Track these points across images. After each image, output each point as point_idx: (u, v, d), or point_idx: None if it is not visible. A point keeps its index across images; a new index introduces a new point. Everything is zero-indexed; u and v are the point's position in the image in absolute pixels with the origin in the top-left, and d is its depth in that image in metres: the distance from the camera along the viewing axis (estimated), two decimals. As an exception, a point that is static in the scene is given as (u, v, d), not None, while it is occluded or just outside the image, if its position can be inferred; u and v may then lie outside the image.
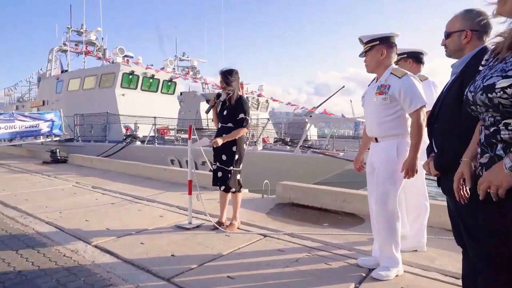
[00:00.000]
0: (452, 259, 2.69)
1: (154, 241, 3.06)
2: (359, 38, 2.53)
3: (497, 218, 1.16)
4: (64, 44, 16.56)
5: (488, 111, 1.16)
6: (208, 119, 11.09)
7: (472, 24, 1.69)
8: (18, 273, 2.38)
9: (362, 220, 3.95)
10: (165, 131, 11.42)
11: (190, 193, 3.62)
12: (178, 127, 11.23)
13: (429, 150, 1.83)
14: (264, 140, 9.75)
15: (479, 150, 1.25)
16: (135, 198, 4.97)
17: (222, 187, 3.46)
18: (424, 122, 2.24)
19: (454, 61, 1.80)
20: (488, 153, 1.17)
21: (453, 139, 1.59)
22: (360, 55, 2.54)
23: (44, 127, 11.36)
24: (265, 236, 3.29)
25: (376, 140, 2.50)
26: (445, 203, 3.85)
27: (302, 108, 14.42)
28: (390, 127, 2.41)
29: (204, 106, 14.41)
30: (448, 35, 1.77)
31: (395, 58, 2.51)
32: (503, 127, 1.11)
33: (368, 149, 2.73)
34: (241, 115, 3.37)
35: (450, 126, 1.61)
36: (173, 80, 14.32)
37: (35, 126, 11.11)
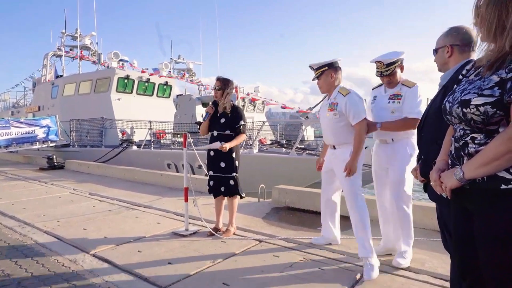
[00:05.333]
0: (441, 261, 2.76)
1: (151, 249, 3.12)
2: (309, 66, 2.97)
3: (464, 223, 1.25)
4: (59, 49, 16.53)
5: (461, 123, 1.24)
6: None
7: (452, 40, 1.83)
8: (18, 284, 2.43)
9: (356, 222, 4.03)
10: (161, 134, 11.45)
11: (186, 200, 3.67)
12: (174, 131, 11.26)
13: (418, 157, 1.92)
14: (261, 141, 9.80)
15: (449, 161, 1.34)
16: (132, 205, 5.01)
17: (220, 194, 3.52)
18: (364, 133, 2.72)
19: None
20: (457, 165, 1.27)
21: (436, 148, 1.68)
22: (313, 80, 3.00)
23: (40, 133, 11.37)
24: (260, 241, 3.35)
25: (334, 147, 2.94)
26: (434, 205, 3.94)
27: (297, 111, 14.52)
28: (343, 136, 2.85)
29: (199, 109, 14.49)
30: (435, 51, 1.94)
31: (341, 78, 2.94)
32: (470, 141, 1.20)
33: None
34: (241, 122, 3.45)
35: (435, 135, 1.70)
36: (168, 83, 14.35)
37: (31, 132, 11.12)
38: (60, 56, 16.45)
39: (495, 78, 1.12)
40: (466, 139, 1.22)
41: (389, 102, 2.75)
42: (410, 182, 2.72)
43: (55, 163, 9.83)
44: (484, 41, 1.25)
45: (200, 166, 6.40)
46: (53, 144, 11.54)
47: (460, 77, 1.42)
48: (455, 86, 1.39)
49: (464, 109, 1.18)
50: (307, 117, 12.61)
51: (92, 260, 2.88)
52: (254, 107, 16.89)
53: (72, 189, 6.38)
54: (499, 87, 1.10)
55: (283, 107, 13.92)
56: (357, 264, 2.72)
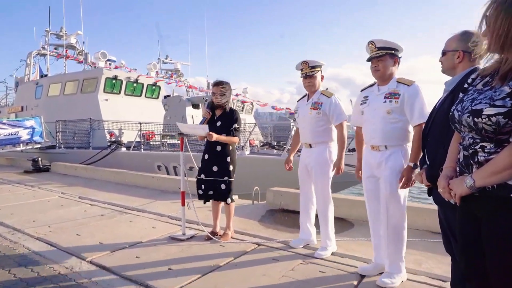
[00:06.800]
0: (438, 262, 2.83)
1: (149, 255, 3.07)
2: (304, 61, 3.09)
3: (472, 228, 1.29)
4: (43, 48, 16.10)
5: (470, 132, 1.27)
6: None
7: (465, 46, 1.79)
8: (14, 294, 2.36)
9: (351, 224, 4.08)
10: (150, 136, 11.30)
11: (183, 204, 3.64)
12: (164, 132, 11.13)
13: (422, 161, 1.95)
14: (250, 143, 9.80)
15: (458, 168, 1.37)
16: (125, 209, 4.93)
17: (212, 199, 3.50)
18: (346, 132, 3.02)
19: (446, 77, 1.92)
20: (466, 172, 1.29)
21: (443, 152, 1.70)
22: (302, 75, 3.12)
23: (24, 134, 11.03)
24: (259, 244, 3.35)
25: (310, 146, 3.11)
26: (429, 206, 4.02)
27: (286, 109, 14.56)
28: (320, 135, 3.06)
29: (190, 111, 14.40)
30: (444, 53, 1.90)
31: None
32: (480, 149, 1.23)
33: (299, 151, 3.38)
34: (235, 125, 3.43)
35: (441, 141, 1.70)
36: (157, 84, 14.18)
37: (15, 134, 10.78)
38: (44, 55, 16.02)
39: (507, 89, 1.15)
40: (475, 147, 1.25)
41: (384, 101, 2.44)
42: (405, 193, 2.49)
43: (41, 166, 9.56)
44: (492, 51, 1.27)
45: (191, 168, 6.35)
46: (38, 145, 11.23)
47: (466, 85, 1.45)
48: (462, 94, 1.42)
49: (475, 119, 1.20)
50: (295, 119, 12.62)
51: (90, 267, 2.82)
52: (243, 108, 16.89)
53: (60, 192, 6.22)
54: (510, 98, 1.13)
55: (276, 108, 13.95)
56: (356, 266, 2.75)
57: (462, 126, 1.30)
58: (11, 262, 2.94)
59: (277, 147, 9.07)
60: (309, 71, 3.09)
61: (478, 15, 1.27)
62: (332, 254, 3.06)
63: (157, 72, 16.08)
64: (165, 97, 16.33)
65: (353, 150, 8.37)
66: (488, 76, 1.32)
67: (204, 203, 3.55)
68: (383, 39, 2.47)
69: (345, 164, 3.05)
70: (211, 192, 3.46)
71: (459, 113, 1.31)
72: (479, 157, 1.23)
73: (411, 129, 2.45)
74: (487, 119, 1.16)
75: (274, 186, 5.29)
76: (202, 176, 3.47)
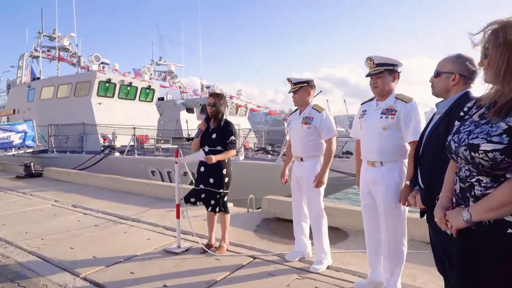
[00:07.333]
0: (432, 276, 2.84)
1: (144, 270, 3.05)
2: (288, 79, 3.16)
3: (469, 257, 1.30)
4: (36, 50, 15.92)
5: (467, 164, 1.27)
6: (188, 129, 11.03)
7: (461, 69, 1.81)
8: (6, 315, 2.32)
9: (346, 234, 4.09)
10: (144, 140, 11.24)
11: (178, 217, 3.62)
12: (158, 137, 11.07)
13: (414, 183, 1.95)
14: (244, 145, 9.80)
15: (454, 199, 1.38)
16: (119, 218, 4.89)
17: (209, 208, 3.49)
18: (334, 148, 3.04)
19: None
20: (462, 204, 1.31)
21: (440, 177, 1.70)
22: (289, 92, 3.19)
23: (15, 138, 10.91)
24: (254, 258, 3.34)
25: (302, 159, 3.14)
26: (424, 216, 4.02)
27: (280, 112, 14.59)
28: (311, 149, 3.10)
29: (184, 115, 14.33)
30: (437, 74, 1.88)
31: (314, 95, 3.21)
32: (477, 183, 1.24)
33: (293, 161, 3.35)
34: (231, 138, 3.43)
35: (437, 164, 1.70)
36: (151, 87, 14.10)
37: (6, 138, 10.65)
38: (36, 57, 15.85)
39: (503, 125, 1.16)
40: (472, 180, 1.25)
41: (381, 117, 2.44)
42: (404, 211, 2.48)
43: (33, 171, 9.45)
44: (489, 82, 1.28)
45: (185, 173, 6.32)
46: (30, 150, 11.10)
47: (462, 113, 1.45)
48: (458, 123, 1.43)
49: (472, 153, 1.21)
50: (289, 124, 12.62)
51: (84, 284, 2.79)
52: (237, 110, 16.88)
53: (53, 200, 6.15)
54: (507, 134, 1.14)
55: (270, 113, 13.97)
56: (352, 282, 2.76)
57: (458, 157, 1.31)
58: (3, 278, 2.90)
59: (271, 152, 9.07)
60: (292, 87, 3.15)
61: (476, 33, 1.26)
62: (328, 267, 3.07)
63: (150, 74, 16.00)
64: (159, 99, 16.25)
65: (347, 153, 8.42)
66: (484, 107, 1.32)
67: (207, 209, 3.51)
68: (381, 55, 2.47)
69: (335, 171, 3.10)
70: (213, 202, 3.44)
71: (456, 144, 1.32)
72: (475, 191, 1.24)
73: (407, 145, 2.44)
74: (484, 154, 1.17)
75: (268, 192, 5.29)
76: (201, 186, 3.45)
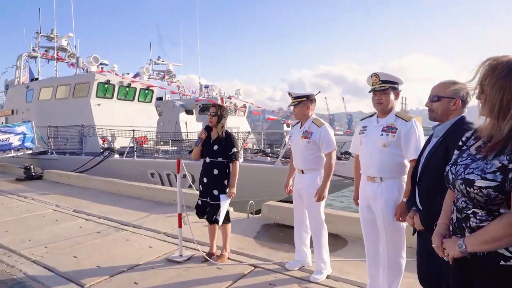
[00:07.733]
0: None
1: (147, 280, 3.11)
2: (288, 93, 3.23)
3: (465, 282, 1.36)
4: (33, 50, 15.86)
5: (464, 197, 1.33)
6: (188, 132, 11.07)
7: (461, 94, 1.89)
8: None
9: (345, 241, 4.16)
10: (143, 141, 11.25)
11: (180, 226, 3.67)
12: (157, 139, 11.09)
13: (411, 203, 2.00)
14: (243, 146, 9.84)
15: (451, 228, 1.44)
16: (121, 224, 4.95)
17: (212, 223, 3.53)
18: (334, 162, 3.08)
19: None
20: (459, 234, 1.37)
21: (439, 201, 1.75)
22: (289, 106, 3.29)
23: (15, 140, 10.91)
24: (255, 266, 3.41)
25: (302, 171, 3.19)
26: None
27: (279, 110, 14.61)
28: (312, 163, 3.15)
29: (183, 117, 14.35)
30: (438, 98, 1.93)
31: (314, 110, 3.28)
32: (472, 215, 1.30)
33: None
34: (234, 149, 3.48)
35: (436, 187, 1.73)
36: (150, 88, 14.11)
37: (5, 140, 10.66)
38: (35, 57, 15.79)
39: (497, 163, 1.22)
40: (468, 212, 1.31)
41: (381, 134, 2.48)
42: (402, 225, 2.50)
43: (33, 173, 9.47)
44: (484, 116, 1.33)
45: (184, 176, 6.35)
46: (29, 151, 11.11)
47: (460, 143, 1.50)
48: (456, 153, 1.47)
49: (468, 188, 1.27)
50: (288, 125, 12.73)
51: (88, 295, 2.85)
52: (236, 111, 16.91)
53: (55, 205, 6.19)
54: (500, 172, 1.20)
55: (269, 119, 14.03)
56: (351, 292, 2.83)
57: (455, 189, 1.37)
58: (8, 289, 2.95)
59: (270, 154, 9.12)
60: (292, 101, 3.22)
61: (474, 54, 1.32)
62: (327, 277, 3.14)
63: (149, 75, 15.99)
64: (158, 99, 16.24)
65: (346, 153, 8.45)
66: (481, 140, 1.37)
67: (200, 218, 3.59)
68: (386, 72, 2.52)
69: (334, 174, 3.17)
70: (215, 217, 3.43)
71: (453, 176, 1.37)
72: (471, 223, 1.30)
73: (407, 162, 2.49)
74: (478, 190, 1.23)
75: (268, 195, 5.34)
76: (208, 199, 3.47)
